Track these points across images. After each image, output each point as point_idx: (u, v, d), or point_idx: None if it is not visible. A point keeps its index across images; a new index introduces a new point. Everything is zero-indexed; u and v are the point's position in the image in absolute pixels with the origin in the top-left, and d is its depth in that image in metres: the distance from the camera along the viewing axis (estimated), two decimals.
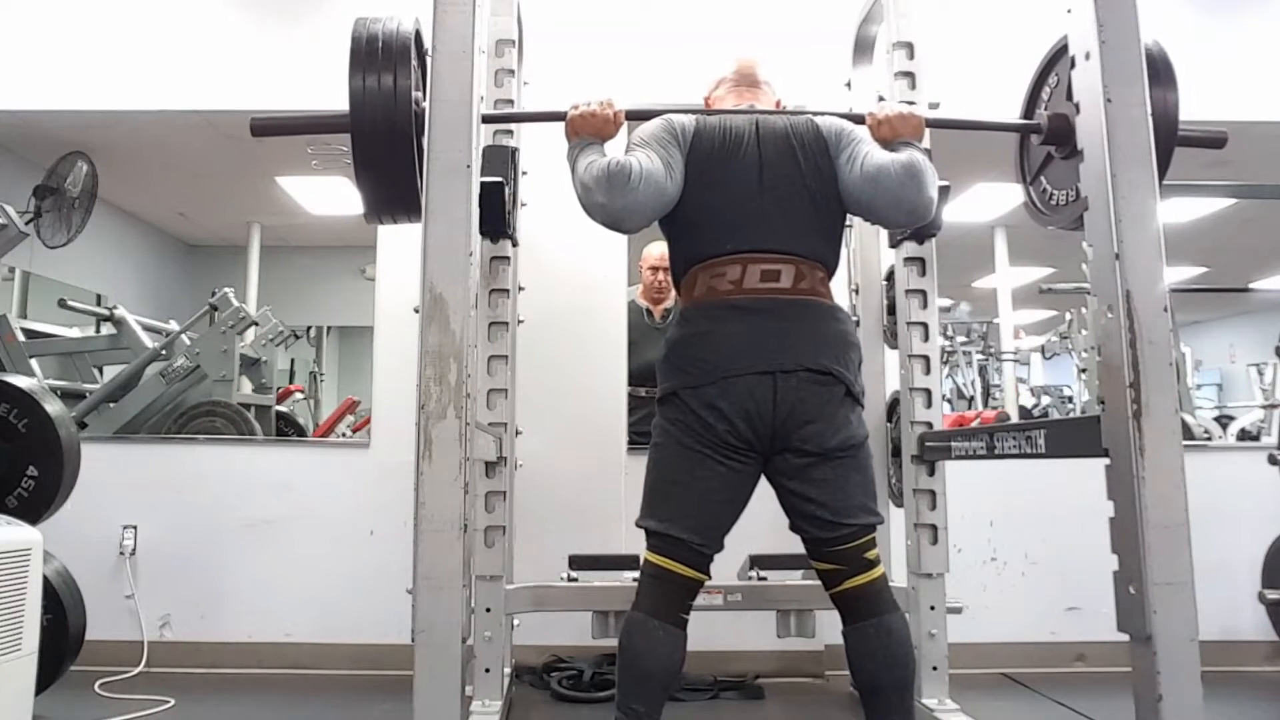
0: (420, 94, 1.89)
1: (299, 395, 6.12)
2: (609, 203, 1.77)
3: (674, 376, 1.81)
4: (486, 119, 2.06)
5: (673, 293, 1.97)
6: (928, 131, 2.49)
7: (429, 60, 1.75)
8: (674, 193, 1.82)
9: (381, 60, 1.81)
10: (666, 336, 1.86)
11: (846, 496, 1.77)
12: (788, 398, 1.73)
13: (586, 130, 1.91)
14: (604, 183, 1.77)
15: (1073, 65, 1.71)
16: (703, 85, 3.10)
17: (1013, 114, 2.27)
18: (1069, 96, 1.82)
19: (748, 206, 1.82)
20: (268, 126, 1.94)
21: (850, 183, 1.83)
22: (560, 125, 1.95)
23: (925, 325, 2.55)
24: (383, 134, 1.81)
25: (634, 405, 3.18)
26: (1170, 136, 1.89)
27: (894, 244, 2.60)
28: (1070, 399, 6.93)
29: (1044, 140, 2.00)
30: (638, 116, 1.98)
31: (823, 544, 1.78)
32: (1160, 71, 1.80)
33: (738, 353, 1.74)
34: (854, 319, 2.86)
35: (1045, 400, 7.07)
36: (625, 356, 3.21)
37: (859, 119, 1.95)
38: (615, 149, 1.90)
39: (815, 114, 1.94)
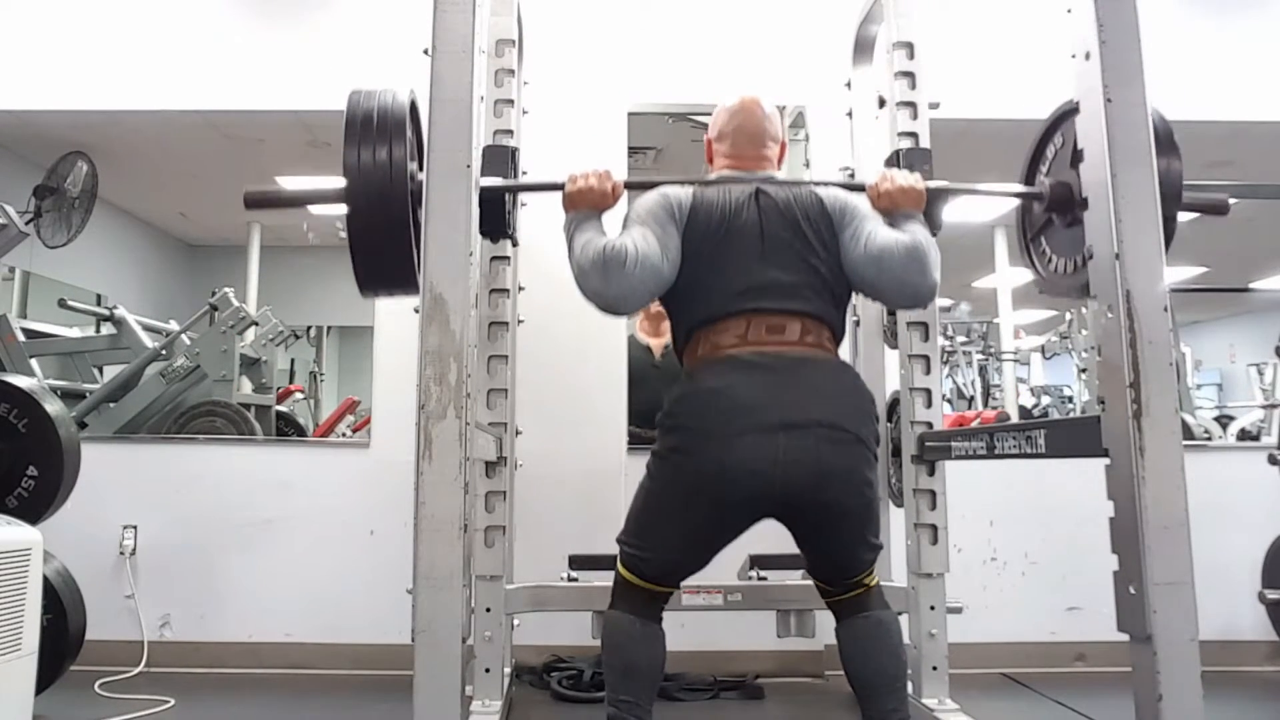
0: (416, 165, 1.86)
1: (299, 395, 6.13)
2: (604, 289, 1.75)
3: (675, 434, 1.76)
4: (483, 189, 2.02)
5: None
6: (928, 133, 2.51)
7: (424, 124, 1.71)
8: (670, 273, 1.80)
9: (377, 134, 1.77)
10: (669, 393, 1.80)
11: (856, 553, 1.81)
12: (799, 456, 1.66)
13: (584, 204, 1.89)
14: (600, 268, 1.74)
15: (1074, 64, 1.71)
16: (703, 85, 3.13)
17: (1012, 111, 2.28)
18: (1073, 163, 1.80)
19: (750, 272, 1.80)
20: (261, 200, 1.92)
21: (854, 262, 1.82)
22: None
23: (925, 325, 2.55)
24: (378, 210, 1.76)
25: (634, 441, 3.14)
26: (1175, 201, 1.84)
27: None
28: (1070, 399, 6.94)
29: (1046, 208, 1.95)
30: (636, 186, 1.97)
31: (827, 584, 1.85)
32: (1163, 139, 1.77)
33: (743, 408, 1.68)
34: (854, 318, 2.87)
35: (1045, 400, 7.07)
36: (625, 357, 3.21)
37: (859, 188, 1.96)
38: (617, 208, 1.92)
39: (817, 184, 1.94)
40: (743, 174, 1.96)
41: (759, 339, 1.76)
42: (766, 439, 1.66)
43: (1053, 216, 1.96)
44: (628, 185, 1.97)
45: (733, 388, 1.71)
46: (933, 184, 2.02)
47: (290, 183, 5.36)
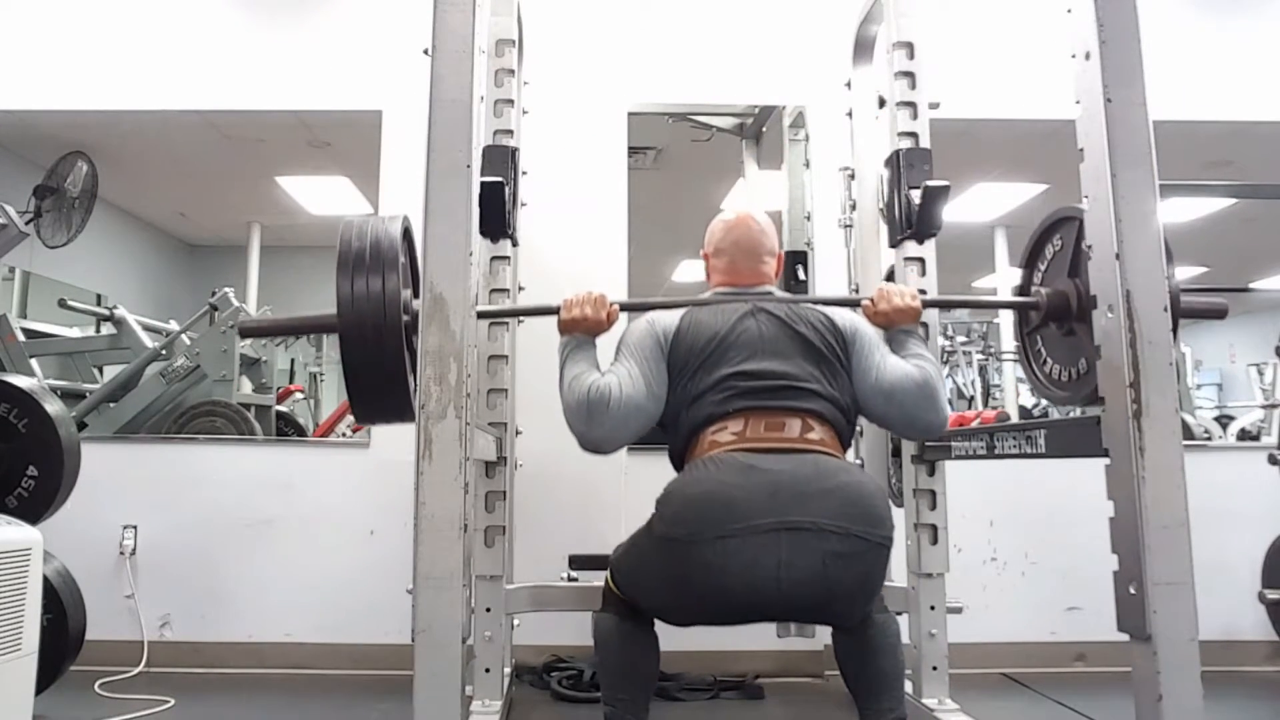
0: (410, 292, 1.84)
1: (299, 395, 6.12)
2: (588, 431, 1.77)
3: (669, 525, 1.67)
4: (481, 315, 2.00)
5: None
6: (928, 133, 2.51)
7: (417, 256, 1.70)
8: (655, 410, 1.80)
9: (370, 264, 1.74)
10: (666, 485, 1.75)
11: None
12: (803, 576, 1.57)
13: (579, 330, 1.91)
14: (583, 410, 1.76)
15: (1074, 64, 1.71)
16: (703, 85, 3.12)
17: (1012, 111, 2.27)
18: (1071, 272, 1.79)
19: (746, 369, 1.77)
20: (256, 330, 1.92)
21: (865, 393, 1.83)
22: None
23: (925, 325, 2.53)
24: (371, 341, 1.74)
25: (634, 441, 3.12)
26: (1175, 306, 1.77)
27: (894, 244, 2.60)
28: None
29: (1043, 317, 1.94)
30: (633, 308, 1.99)
31: None
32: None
33: (737, 506, 1.59)
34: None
35: (1045, 400, 7.06)
36: None
37: (855, 303, 1.98)
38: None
39: (815, 302, 1.95)
40: (740, 289, 1.97)
41: (757, 436, 1.72)
42: (766, 544, 1.57)
43: (1050, 323, 1.94)
44: (624, 307, 1.98)
45: (729, 488, 1.62)
46: (929, 298, 2.03)
47: (290, 183, 5.37)
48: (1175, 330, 1.62)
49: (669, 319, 1.88)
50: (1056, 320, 1.91)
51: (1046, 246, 1.99)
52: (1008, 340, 6.76)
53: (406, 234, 1.89)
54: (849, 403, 1.83)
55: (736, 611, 1.68)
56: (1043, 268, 2.00)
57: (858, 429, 2.76)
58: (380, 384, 1.77)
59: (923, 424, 1.82)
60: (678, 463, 1.84)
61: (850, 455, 2.03)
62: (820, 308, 1.92)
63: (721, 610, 1.68)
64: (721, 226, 2.05)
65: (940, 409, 1.80)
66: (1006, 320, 6.79)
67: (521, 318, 2.77)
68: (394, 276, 1.75)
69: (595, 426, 1.76)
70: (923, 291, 2.01)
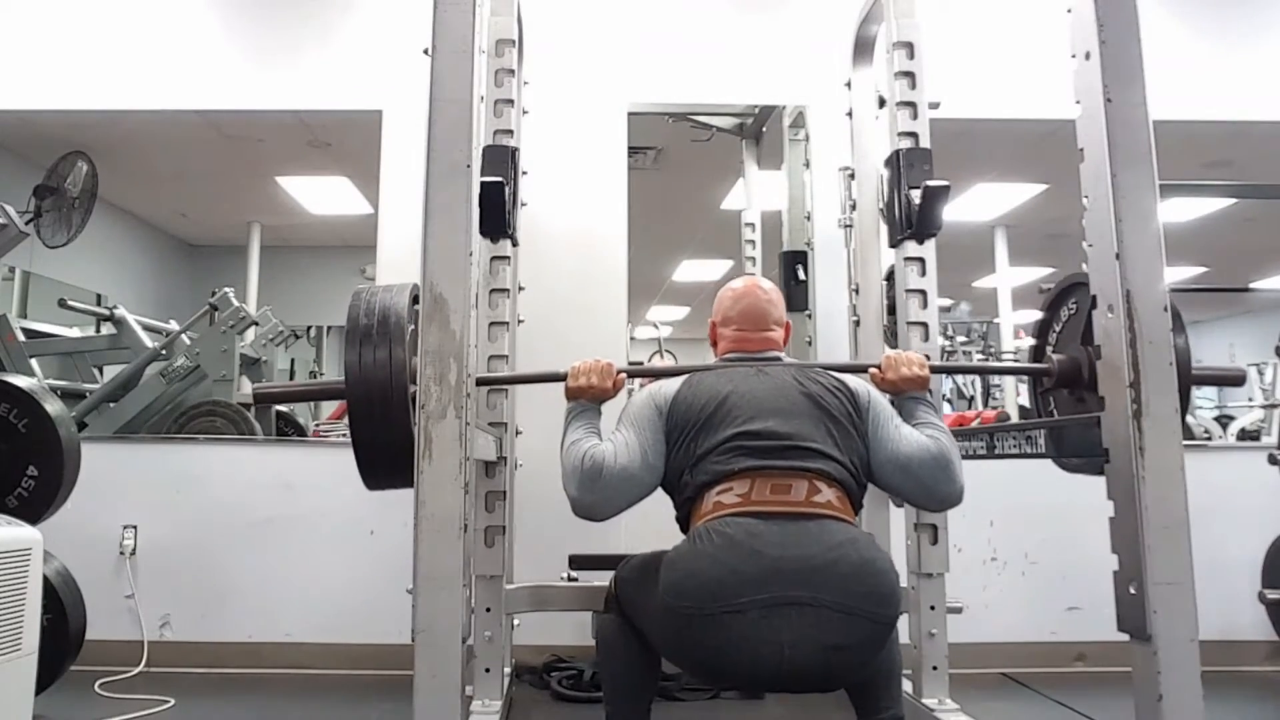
0: (417, 361, 1.82)
1: None
2: (580, 497, 1.76)
3: (673, 596, 1.61)
4: (480, 381, 2.00)
5: None
6: (928, 133, 2.51)
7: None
8: (650, 480, 1.78)
9: (377, 335, 1.79)
10: (670, 552, 1.70)
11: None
12: (801, 649, 1.52)
13: (585, 397, 1.90)
14: (577, 475, 1.75)
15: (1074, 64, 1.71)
16: (703, 85, 3.11)
17: (1012, 111, 2.27)
18: (1084, 340, 1.78)
19: (753, 433, 1.72)
20: (267, 396, 1.95)
21: (881, 465, 1.78)
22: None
23: (925, 325, 2.54)
24: (378, 411, 1.79)
25: None
26: (1186, 377, 1.75)
27: (894, 244, 2.60)
28: None
29: (1055, 384, 1.94)
30: (638, 374, 1.99)
31: None
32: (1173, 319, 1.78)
33: (739, 582, 1.54)
34: (854, 318, 2.87)
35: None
36: (625, 357, 3.20)
37: (862, 369, 1.97)
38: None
39: (826, 367, 1.92)
40: (747, 355, 1.96)
41: (762, 498, 1.65)
42: (765, 620, 1.52)
43: (1062, 389, 1.95)
44: (630, 374, 1.98)
45: (730, 561, 1.57)
46: (936, 364, 2.03)
47: (290, 183, 5.37)
48: (1185, 396, 1.59)
49: (669, 386, 1.86)
50: (1068, 386, 1.92)
51: (1062, 309, 2.00)
52: (1008, 340, 6.76)
53: (415, 300, 1.89)
54: (860, 465, 1.77)
55: (737, 681, 1.69)
56: (1058, 329, 2.01)
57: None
58: (387, 451, 1.82)
59: (940, 496, 1.78)
60: (683, 525, 1.80)
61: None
62: (833, 373, 1.89)
63: (720, 680, 1.69)
64: (730, 296, 2.04)
65: (957, 480, 1.76)
66: (1006, 321, 6.79)
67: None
68: (401, 347, 1.78)
69: (587, 493, 1.74)
70: (928, 357, 1.99)
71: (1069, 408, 1.99)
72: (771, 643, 1.52)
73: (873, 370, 1.95)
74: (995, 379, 7.15)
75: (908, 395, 1.89)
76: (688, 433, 1.77)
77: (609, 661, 1.84)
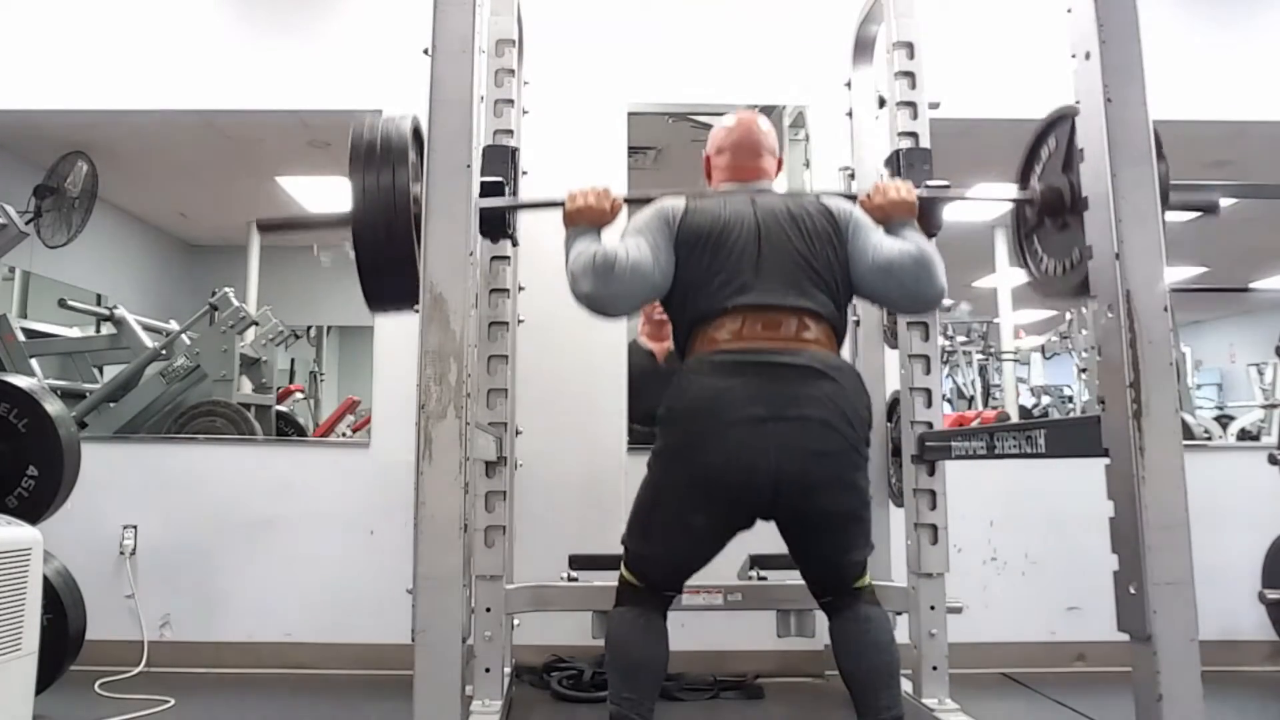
0: (419, 188, 1.88)
1: (299, 395, 6.12)
2: (594, 291, 1.80)
3: (670, 432, 1.80)
4: (482, 211, 2.02)
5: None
6: (928, 133, 2.51)
7: (425, 153, 1.73)
8: (661, 280, 1.85)
9: (380, 159, 1.83)
10: (666, 391, 1.83)
11: (845, 563, 1.83)
12: (788, 441, 1.70)
13: (584, 221, 1.92)
14: (590, 271, 1.80)
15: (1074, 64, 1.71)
16: (703, 85, 3.12)
17: (1012, 111, 2.27)
18: (1065, 168, 1.81)
19: (746, 271, 1.83)
20: (272, 225, 2.01)
21: (863, 273, 1.87)
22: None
23: (925, 325, 2.55)
24: (382, 233, 1.84)
25: (635, 440, 3.11)
26: (1162, 202, 1.74)
27: None
28: (1070, 399, 6.93)
29: (1038, 212, 1.97)
30: (635, 201, 2.00)
31: (823, 594, 1.87)
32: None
33: (733, 403, 1.71)
34: (855, 318, 2.87)
35: (1045, 400, 7.07)
36: (625, 357, 3.20)
37: (851, 198, 2.00)
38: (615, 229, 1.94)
39: (815, 194, 1.97)
40: (741, 185, 2.01)
41: (754, 334, 1.78)
42: (757, 430, 1.69)
43: (1045, 219, 1.97)
44: (627, 200, 1.99)
45: (725, 386, 1.73)
46: (923, 191, 2.05)
47: (290, 183, 5.37)
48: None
49: (677, 201, 1.92)
50: (1051, 215, 1.93)
51: (1042, 149, 2.01)
52: (1008, 340, 6.77)
53: (416, 131, 1.94)
54: (843, 285, 1.87)
55: (736, 499, 1.74)
56: (1038, 169, 2.02)
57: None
58: (389, 267, 1.86)
59: (923, 296, 1.85)
60: (681, 353, 1.91)
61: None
62: (817, 197, 1.96)
63: (723, 501, 1.74)
64: (723, 129, 2.09)
65: (939, 280, 1.83)
66: (1006, 320, 6.80)
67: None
68: (404, 171, 1.83)
69: (601, 285, 1.80)
70: (918, 185, 2.03)
71: (1052, 240, 1.96)
72: (762, 450, 1.68)
73: (862, 197, 1.99)
74: (995, 379, 7.16)
75: (896, 221, 1.92)
76: (694, 256, 1.84)
77: (617, 655, 1.84)
